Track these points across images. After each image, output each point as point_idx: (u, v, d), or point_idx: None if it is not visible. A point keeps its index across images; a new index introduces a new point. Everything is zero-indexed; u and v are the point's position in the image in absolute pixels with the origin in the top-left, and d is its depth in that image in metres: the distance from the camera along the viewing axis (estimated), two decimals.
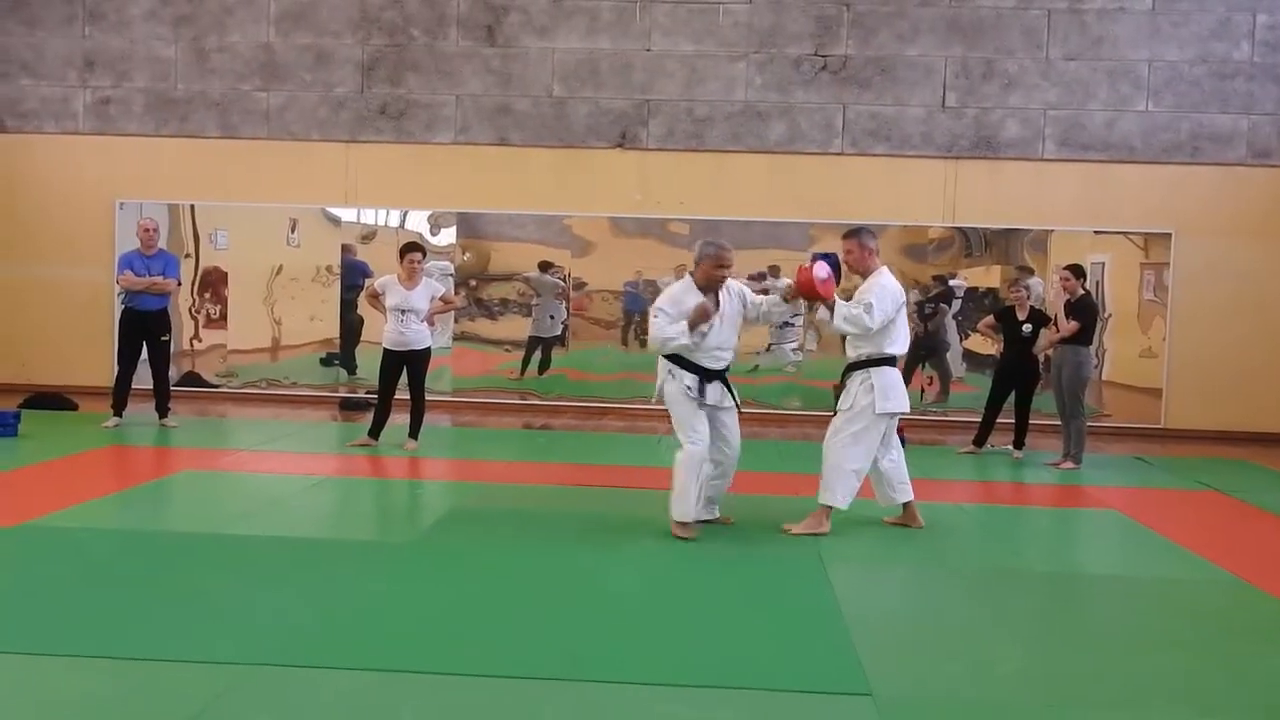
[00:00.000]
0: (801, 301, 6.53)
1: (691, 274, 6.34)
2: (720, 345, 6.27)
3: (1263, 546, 6.76)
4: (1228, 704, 4.08)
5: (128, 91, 12.30)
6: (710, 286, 6.24)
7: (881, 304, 6.23)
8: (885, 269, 6.49)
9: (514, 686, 3.94)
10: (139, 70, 12.28)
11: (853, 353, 6.45)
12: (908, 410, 6.50)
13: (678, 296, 6.21)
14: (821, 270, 6.23)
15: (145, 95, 12.29)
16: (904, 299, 6.44)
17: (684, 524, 6.18)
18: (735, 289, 6.41)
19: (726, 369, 6.38)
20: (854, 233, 6.52)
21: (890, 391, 6.32)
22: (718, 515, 6.58)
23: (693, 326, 6.12)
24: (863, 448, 6.32)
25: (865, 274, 6.45)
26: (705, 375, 6.22)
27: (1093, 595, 5.62)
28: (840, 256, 6.65)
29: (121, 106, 12.30)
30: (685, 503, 6.15)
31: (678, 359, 6.22)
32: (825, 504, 6.35)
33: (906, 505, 6.59)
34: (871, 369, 6.33)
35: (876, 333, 6.29)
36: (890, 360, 6.38)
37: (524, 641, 4.41)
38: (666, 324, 6.12)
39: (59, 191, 12.28)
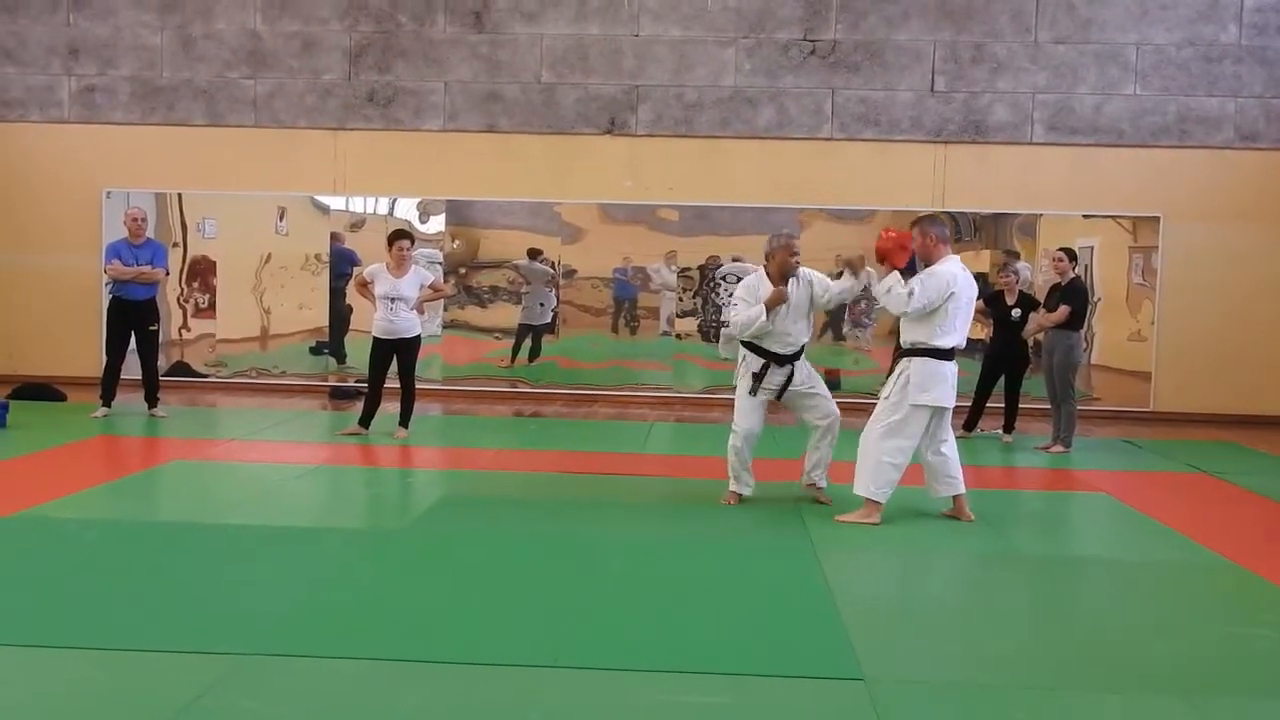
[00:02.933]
0: (866, 274, 6.65)
1: (765, 267, 6.75)
2: (789, 331, 6.67)
3: (1250, 529, 6.79)
4: (1216, 685, 4.10)
5: (113, 79, 12.22)
6: (784, 275, 6.66)
7: (924, 290, 6.15)
8: (952, 259, 6.34)
9: (505, 674, 3.94)
10: (124, 58, 12.20)
11: (904, 339, 6.38)
12: (950, 404, 6.32)
13: (753, 285, 6.70)
14: (904, 239, 6.40)
15: (131, 83, 12.21)
16: (961, 291, 6.20)
17: (731, 493, 6.81)
18: (805, 276, 6.76)
19: (799, 353, 6.75)
20: (916, 221, 6.48)
21: (930, 383, 6.19)
22: (821, 488, 6.82)
23: (770, 309, 6.54)
24: (898, 439, 6.25)
25: (930, 263, 6.32)
26: (777, 360, 6.65)
27: (1083, 578, 5.65)
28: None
29: (107, 95, 12.22)
30: (732, 478, 6.81)
31: (751, 345, 6.70)
32: (859, 494, 6.32)
33: (956, 498, 6.51)
34: (914, 359, 6.25)
35: (924, 322, 6.20)
36: (936, 352, 6.21)
37: (515, 629, 4.41)
38: (746, 309, 6.61)
39: (46, 181, 12.21)
